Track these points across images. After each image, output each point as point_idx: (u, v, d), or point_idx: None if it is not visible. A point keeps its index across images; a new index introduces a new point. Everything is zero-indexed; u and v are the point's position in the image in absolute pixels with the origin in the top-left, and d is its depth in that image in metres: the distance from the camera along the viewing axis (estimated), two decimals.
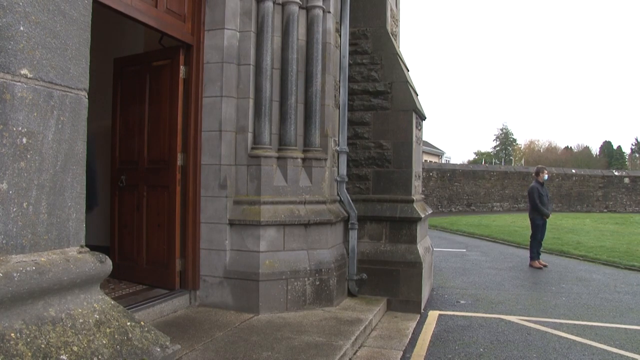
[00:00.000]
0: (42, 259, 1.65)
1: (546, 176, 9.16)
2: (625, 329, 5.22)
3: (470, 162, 61.09)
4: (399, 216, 5.85)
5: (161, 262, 5.09)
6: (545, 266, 8.90)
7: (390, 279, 5.76)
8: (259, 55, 5.07)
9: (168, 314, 4.62)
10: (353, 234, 5.84)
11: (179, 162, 5.05)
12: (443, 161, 47.77)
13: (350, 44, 6.04)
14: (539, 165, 10.33)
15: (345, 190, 5.90)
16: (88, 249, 1.91)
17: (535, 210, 9.07)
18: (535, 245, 9.13)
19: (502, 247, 11.95)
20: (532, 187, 9.20)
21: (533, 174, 9.90)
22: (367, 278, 5.79)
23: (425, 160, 34.29)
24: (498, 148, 75.04)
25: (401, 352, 4.36)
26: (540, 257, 9.14)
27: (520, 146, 73.49)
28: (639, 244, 11.81)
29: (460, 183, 24.05)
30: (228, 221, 4.94)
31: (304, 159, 5.27)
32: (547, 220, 9.09)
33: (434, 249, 7.65)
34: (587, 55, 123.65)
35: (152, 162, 5.24)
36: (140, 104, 5.32)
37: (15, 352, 1.46)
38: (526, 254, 9.81)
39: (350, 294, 5.75)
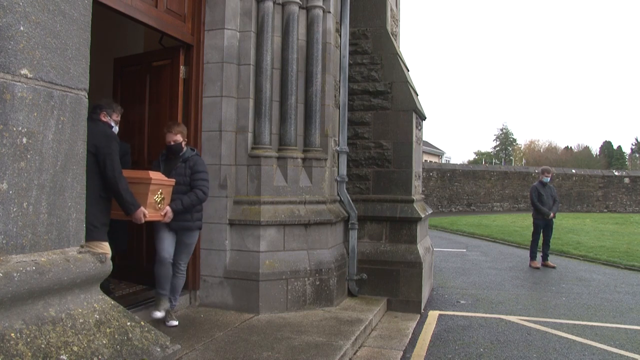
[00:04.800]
0: (42, 259, 1.65)
1: (546, 178, 9.13)
2: (626, 329, 5.22)
3: (470, 162, 61.07)
4: (399, 216, 5.85)
5: None
6: (553, 267, 8.83)
7: (390, 279, 5.76)
8: (259, 55, 5.07)
9: None
10: (353, 234, 5.84)
11: None
12: (443, 161, 47.72)
13: (350, 44, 6.04)
14: (544, 166, 10.32)
15: (345, 190, 5.90)
16: (88, 249, 1.91)
17: (535, 210, 9.09)
18: (534, 245, 9.14)
19: (502, 247, 11.94)
20: (532, 187, 9.26)
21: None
22: (367, 278, 5.79)
23: (425, 160, 34.27)
24: (498, 148, 74.96)
25: (401, 352, 4.36)
26: (548, 258, 9.09)
27: (520, 146, 73.45)
28: (639, 244, 11.81)
29: (460, 183, 24.02)
30: (228, 221, 4.94)
31: (304, 159, 5.27)
32: (552, 220, 9.03)
33: (434, 249, 7.65)
34: (587, 54, 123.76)
35: (152, 162, 5.24)
36: (140, 104, 5.32)
37: (15, 352, 1.46)
38: (526, 254, 9.82)
39: (351, 294, 5.75)
